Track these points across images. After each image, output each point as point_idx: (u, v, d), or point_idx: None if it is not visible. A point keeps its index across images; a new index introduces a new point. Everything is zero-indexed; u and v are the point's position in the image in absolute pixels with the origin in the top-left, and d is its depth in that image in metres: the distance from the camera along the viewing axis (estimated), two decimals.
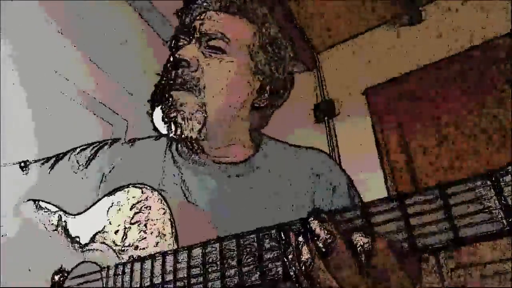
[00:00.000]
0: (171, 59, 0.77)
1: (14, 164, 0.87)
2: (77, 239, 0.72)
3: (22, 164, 0.86)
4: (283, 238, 0.50)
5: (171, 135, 0.75)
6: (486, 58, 2.23)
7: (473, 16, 2.36)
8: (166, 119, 0.74)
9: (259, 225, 0.54)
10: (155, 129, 0.78)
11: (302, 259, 0.47)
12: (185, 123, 0.74)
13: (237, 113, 0.81)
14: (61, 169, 0.86)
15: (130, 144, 0.90)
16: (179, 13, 0.86)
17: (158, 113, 0.76)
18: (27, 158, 0.88)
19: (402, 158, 2.34)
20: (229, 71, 0.78)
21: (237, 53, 0.79)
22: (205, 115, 0.75)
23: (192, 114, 0.74)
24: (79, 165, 0.85)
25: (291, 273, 0.48)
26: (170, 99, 0.75)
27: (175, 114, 0.74)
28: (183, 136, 0.75)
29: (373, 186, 2.23)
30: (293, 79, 0.90)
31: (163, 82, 0.78)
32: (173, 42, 0.84)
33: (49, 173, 0.85)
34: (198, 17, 0.81)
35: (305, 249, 0.48)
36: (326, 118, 2.68)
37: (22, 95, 1.60)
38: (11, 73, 1.55)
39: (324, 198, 0.78)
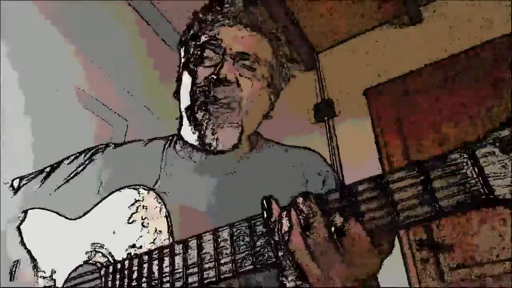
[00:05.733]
0: (214, 77, 0.79)
1: (6, 183, 0.88)
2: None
3: (15, 184, 0.88)
4: (266, 208, 0.53)
5: (206, 147, 0.79)
6: (486, 58, 2.23)
7: (473, 16, 2.36)
8: (207, 133, 0.79)
9: None
10: (180, 137, 0.83)
11: (282, 230, 0.51)
12: (225, 140, 0.79)
13: (258, 124, 0.88)
14: (57, 178, 0.87)
15: (123, 147, 0.91)
16: (199, 17, 0.88)
17: (188, 124, 0.81)
18: (27, 158, 0.88)
19: (402, 158, 2.34)
20: (260, 89, 0.83)
21: (262, 71, 0.84)
22: (241, 131, 0.81)
23: (232, 131, 0.80)
24: (75, 172, 0.86)
25: (272, 244, 0.51)
26: (211, 114, 0.79)
27: (218, 129, 0.79)
28: (217, 150, 0.79)
29: None
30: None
31: (197, 94, 0.81)
32: (197, 52, 0.85)
33: (43, 184, 0.86)
34: (225, 30, 0.83)
35: (285, 221, 0.51)
36: (326, 118, 2.68)
37: (21, 96, 1.61)
38: (9, 72, 1.55)
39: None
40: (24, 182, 0.88)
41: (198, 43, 0.85)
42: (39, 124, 1.63)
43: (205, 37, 0.84)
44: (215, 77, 0.79)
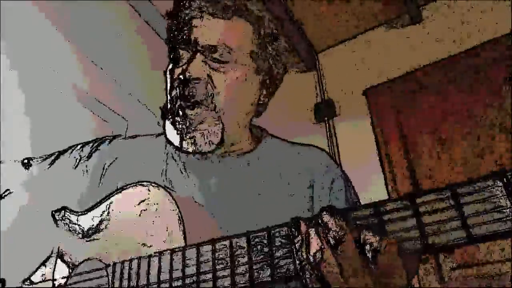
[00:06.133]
0: (181, 77, 0.77)
1: (17, 161, 0.88)
2: (82, 228, 0.72)
3: (26, 161, 0.87)
4: (294, 228, 0.52)
5: (187, 150, 0.77)
6: (486, 58, 2.23)
7: (473, 16, 2.36)
8: (185, 137, 0.76)
9: (258, 220, 0.55)
10: (168, 140, 0.80)
11: (312, 250, 0.49)
12: (204, 139, 0.76)
13: (248, 115, 0.84)
14: (62, 165, 0.87)
15: (130, 140, 0.91)
16: (171, 16, 0.85)
17: (171, 127, 0.78)
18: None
19: (402, 158, 2.34)
20: (236, 78, 0.79)
21: (240, 59, 0.80)
22: (223, 127, 0.77)
23: (211, 129, 0.76)
24: (81, 160, 0.86)
25: (297, 263, 0.50)
26: (187, 117, 0.76)
27: (194, 133, 0.76)
28: (200, 151, 0.77)
29: (373, 186, 2.23)
30: (286, 67, 0.91)
31: (174, 97, 0.78)
32: (172, 53, 0.83)
33: (48, 168, 0.86)
34: (194, 25, 0.80)
35: (315, 240, 0.49)
36: (326, 118, 2.68)
37: (20, 96, 1.60)
38: (8, 72, 1.55)
39: (321, 194, 0.78)
40: (33, 162, 0.87)
41: (173, 45, 0.83)
42: (39, 124, 1.63)
43: (179, 37, 0.81)
44: (181, 77, 0.76)
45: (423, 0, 2.58)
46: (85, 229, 0.73)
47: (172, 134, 0.78)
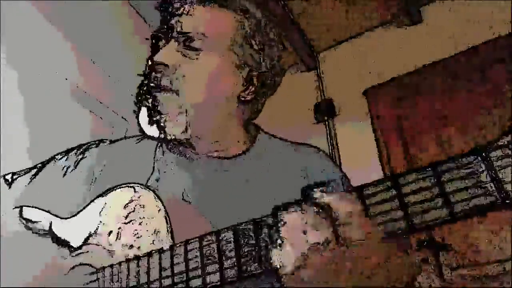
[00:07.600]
0: (149, 62, 0.77)
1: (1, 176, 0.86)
2: (68, 243, 0.72)
3: (8, 177, 0.85)
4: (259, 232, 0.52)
5: (155, 136, 0.76)
6: (486, 58, 2.23)
7: (473, 16, 2.36)
8: (150, 122, 0.75)
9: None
10: (141, 130, 0.78)
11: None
12: (168, 125, 0.75)
13: (221, 108, 0.80)
14: (49, 174, 0.85)
15: (116, 144, 0.89)
16: (159, 8, 0.84)
17: (143, 114, 0.77)
18: (27, 160, 0.87)
19: (402, 158, 2.34)
20: (209, 68, 0.77)
21: (217, 48, 0.78)
22: (186, 115, 0.75)
23: (175, 115, 0.75)
24: (67, 168, 0.84)
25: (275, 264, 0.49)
26: (153, 101, 0.75)
27: (158, 117, 0.75)
28: (167, 137, 0.75)
29: None
30: (283, 68, 0.88)
31: (145, 83, 0.78)
32: (153, 41, 0.82)
33: (33, 179, 0.84)
34: (177, 13, 0.79)
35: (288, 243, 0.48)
36: (326, 118, 2.68)
37: (20, 97, 1.60)
38: (8, 73, 1.55)
39: None
40: (16, 177, 0.85)
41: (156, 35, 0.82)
42: (38, 125, 1.63)
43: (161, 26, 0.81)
44: (149, 62, 0.76)
45: (423, 0, 2.58)
46: (69, 243, 0.72)
47: (145, 123, 0.76)
